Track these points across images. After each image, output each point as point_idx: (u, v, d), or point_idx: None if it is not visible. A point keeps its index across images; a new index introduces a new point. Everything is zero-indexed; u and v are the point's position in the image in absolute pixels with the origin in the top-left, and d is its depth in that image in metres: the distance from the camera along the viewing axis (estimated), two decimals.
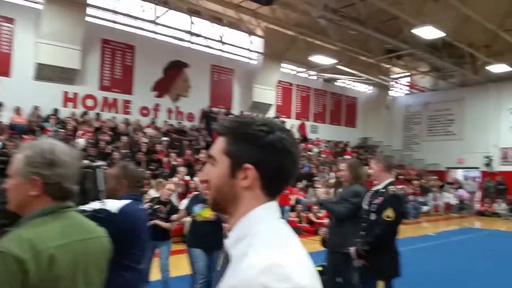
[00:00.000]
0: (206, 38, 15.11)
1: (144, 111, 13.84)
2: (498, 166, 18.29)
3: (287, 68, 18.43)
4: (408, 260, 7.17)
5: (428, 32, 12.28)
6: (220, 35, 15.37)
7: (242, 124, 0.96)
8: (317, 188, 4.96)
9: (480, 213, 16.30)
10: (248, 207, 0.93)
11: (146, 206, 4.38)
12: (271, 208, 0.95)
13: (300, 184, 12.25)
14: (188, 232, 4.75)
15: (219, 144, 0.97)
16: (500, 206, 16.14)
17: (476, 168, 18.96)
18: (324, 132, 19.63)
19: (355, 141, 21.01)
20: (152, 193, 7.59)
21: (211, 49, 15.60)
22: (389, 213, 3.22)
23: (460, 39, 14.03)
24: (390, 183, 3.41)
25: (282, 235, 0.90)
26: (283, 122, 17.22)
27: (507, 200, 16.48)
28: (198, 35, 14.87)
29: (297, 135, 17.77)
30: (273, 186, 0.95)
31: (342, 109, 21.06)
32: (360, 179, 3.95)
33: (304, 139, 17.49)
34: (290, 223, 9.07)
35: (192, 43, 15.14)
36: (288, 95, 18.56)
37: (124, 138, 11.37)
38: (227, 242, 0.94)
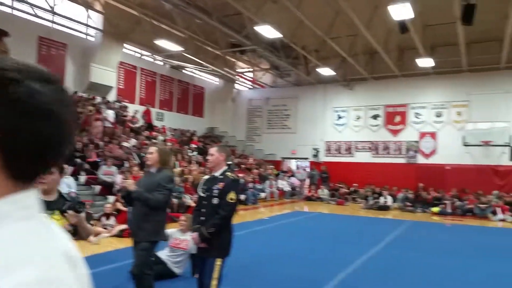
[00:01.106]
0: (32, 5, 13.04)
1: None
2: (323, 157, 20.90)
3: (131, 50, 17.38)
4: (244, 242, 7.58)
5: (268, 31, 13.06)
6: (50, 4, 13.45)
7: None
8: (124, 179, 4.66)
9: (308, 198, 18.38)
10: None
11: None
12: (19, 202, 0.63)
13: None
14: None
15: None
16: (323, 192, 18.50)
17: (306, 158, 21.32)
18: (170, 120, 19.28)
19: (201, 130, 21.27)
20: None
21: (39, 18, 13.55)
22: (232, 196, 3.48)
23: (295, 41, 15.37)
24: (227, 170, 3.64)
25: (35, 243, 0.61)
26: (125, 107, 16.21)
27: (329, 186, 19.02)
28: (23, 1, 12.73)
29: (141, 121, 16.96)
30: (23, 167, 0.63)
31: (190, 98, 21.04)
32: (167, 164, 3.96)
33: (149, 126, 16.82)
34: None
35: (14, 9, 12.88)
36: (131, 79, 17.54)
37: None
38: None
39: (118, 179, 10.23)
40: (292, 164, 21.97)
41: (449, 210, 14.60)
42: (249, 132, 23.26)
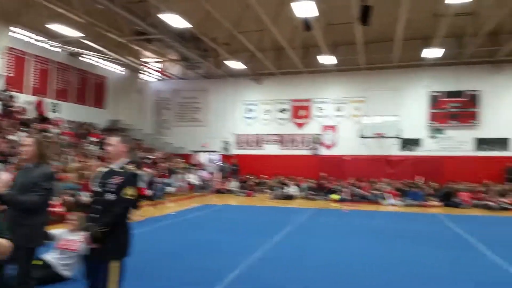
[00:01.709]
0: None
1: None
2: (233, 150, 21.08)
3: (21, 34, 15.56)
4: (147, 238, 7.27)
5: (175, 21, 12.65)
6: None
7: None
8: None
9: (218, 191, 18.40)
10: None
11: None
12: None
13: None
14: None
15: None
16: (233, 184, 18.69)
17: (217, 151, 21.31)
18: (68, 112, 17.75)
19: (103, 123, 19.97)
20: None
21: None
22: (129, 191, 3.14)
23: (205, 33, 15.16)
24: (127, 163, 3.28)
25: None
26: (12, 96, 14.53)
27: (239, 179, 19.27)
28: None
29: (34, 113, 15.33)
30: None
31: (90, 88, 19.59)
32: (46, 158, 3.55)
33: (43, 118, 15.28)
34: None
35: None
36: (21, 66, 15.72)
37: None
38: None
39: (4, 176, 9.06)
40: (203, 157, 21.80)
41: (347, 197, 15.76)
42: (157, 125, 22.48)
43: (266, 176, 19.15)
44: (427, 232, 9.44)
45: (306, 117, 20.32)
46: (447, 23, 13.01)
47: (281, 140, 20.53)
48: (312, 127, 20.13)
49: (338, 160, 19.02)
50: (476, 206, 13.99)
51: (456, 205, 14.12)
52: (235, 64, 18.00)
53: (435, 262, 6.49)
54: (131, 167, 3.29)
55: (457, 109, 17.97)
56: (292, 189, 16.80)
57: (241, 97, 21.23)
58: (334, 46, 17.48)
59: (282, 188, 17.00)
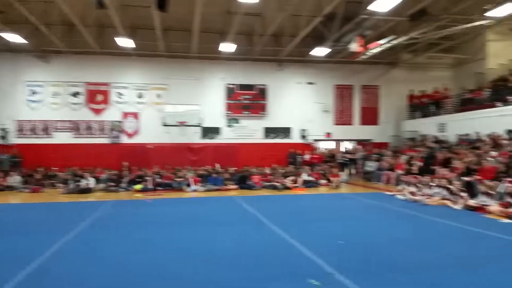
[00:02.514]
0: None
1: None
2: (14, 139, 17.81)
3: None
4: None
5: None
6: None
7: None
8: None
9: None
10: None
11: None
12: None
13: None
14: None
15: None
16: (14, 179, 15.78)
17: None
18: None
19: None
20: None
21: None
22: None
23: None
24: None
25: None
26: None
27: (22, 172, 16.39)
28: None
29: None
30: None
31: None
32: None
33: None
34: None
35: None
36: None
37: None
38: None
39: None
40: None
41: (150, 186, 15.43)
42: None
43: (57, 168, 16.93)
44: (225, 213, 10.11)
45: (104, 102, 18.84)
46: (239, 21, 14.08)
47: (75, 127, 18.48)
48: (111, 114, 18.83)
49: (141, 149, 18.46)
50: (265, 187, 15.82)
51: (250, 187, 15.64)
52: (12, 37, 15.08)
53: (227, 238, 7.00)
54: None
55: (249, 101, 19.90)
56: (88, 182, 15.32)
57: (23, 76, 18.04)
58: (133, 29, 16.70)
59: (78, 181, 15.31)
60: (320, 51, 17.23)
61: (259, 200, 12.67)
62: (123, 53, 17.99)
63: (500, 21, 15.26)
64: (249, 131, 19.99)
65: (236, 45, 16.67)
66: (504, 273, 5.21)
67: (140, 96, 19.09)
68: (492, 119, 15.10)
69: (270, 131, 20.20)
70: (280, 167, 17.84)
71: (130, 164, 17.26)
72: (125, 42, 15.92)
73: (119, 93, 18.91)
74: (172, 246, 6.63)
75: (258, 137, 20.04)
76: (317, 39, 16.86)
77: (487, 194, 10.36)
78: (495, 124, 14.82)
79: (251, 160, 18.38)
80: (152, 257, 5.92)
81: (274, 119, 20.17)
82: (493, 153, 12.92)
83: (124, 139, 18.85)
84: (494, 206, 9.63)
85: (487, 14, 13.37)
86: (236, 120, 19.90)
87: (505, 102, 14.97)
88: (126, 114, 18.95)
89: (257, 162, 18.22)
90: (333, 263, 5.47)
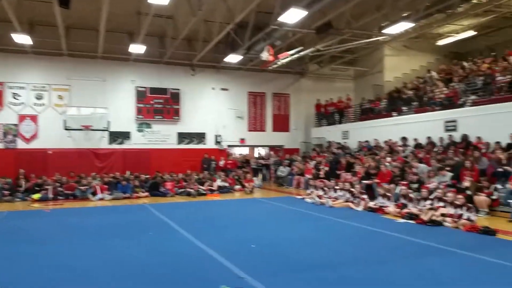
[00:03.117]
0: None
1: None
2: None
3: None
4: None
5: None
6: None
7: None
8: None
9: None
10: None
11: None
12: None
13: None
14: None
15: None
16: None
17: None
18: None
19: None
20: None
21: None
22: None
23: None
24: None
25: None
26: None
27: None
28: None
29: None
30: None
31: None
32: None
33: None
34: None
35: None
36: None
37: None
38: None
39: None
40: None
41: (50, 195, 14.13)
42: None
43: None
44: (134, 222, 9.62)
45: None
46: (149, 22, 13.64)
47: None
48: (5, 116, 16.87)
49: (40, 154, 16.83)
50: (179, 193, 15.45)
51: (163, 195, 15.15)
52: None
53: (135, 248, 6.69)
54: None
55: (161, 105, 19.33)
56: None
57: None
58: (31, 25, 15.26)
59: None
60: (233, 58, 17.45)
61: (172, 208, 12.34)
62: (20, 51, 16.29)
63: (395, 37, 16.96)
64: (162, 136, 19.40)
65: (146, 47, 16.12)
66: (398, 268, 5.72)
67: (39, 98, 17.39)
68: (389, 128, 16.64)
69: (184, 137, 19.84)
70: (195, 173, 17.59)
71: (27, 171, 15.61)
72: (21, 38, 14.41)
73: (14, 93, 17.03)
74: (64, 262, 6.02)
75: (171, 143, 19.54)
76: (230, 46, 17.05)
77: (385, 196, 11.36)
78: (391, 132, 16.34)
79: (164, 166, 17.81)
80: (38, 276, 5.35)
81: (188, 124, 19.87)
82: (389, 159, 14.23)
83: (21, 144, 17.00)
84: (391, 207, 10.58)
85: (384, 31, 14.75)
86: (147, 125, 19.18)
87: (400, 112, 16.64)
88: (22, 117, 17.11)
89: (171, 168, 17.71)
90: (245, 267, 5.50)
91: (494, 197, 9.93)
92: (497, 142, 11.70)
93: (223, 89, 20.69)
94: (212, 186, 16.22)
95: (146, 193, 15.17)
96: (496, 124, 12.07)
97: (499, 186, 10.10)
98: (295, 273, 5.38)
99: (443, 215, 8.90)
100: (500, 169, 10.49)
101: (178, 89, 19.56)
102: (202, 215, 10.83)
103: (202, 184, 16.32)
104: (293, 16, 12.10)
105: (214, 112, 20.38)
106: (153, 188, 15.52)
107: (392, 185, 11.82)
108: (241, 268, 5.50)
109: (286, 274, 5.36)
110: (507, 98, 12.27)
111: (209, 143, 20.30)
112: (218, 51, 17.92)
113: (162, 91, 19.28)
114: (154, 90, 19.18)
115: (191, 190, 15.52)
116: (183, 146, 19.74)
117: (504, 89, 12.79)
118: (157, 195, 15.12)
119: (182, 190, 15.62)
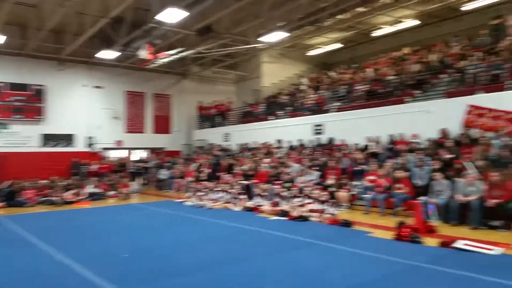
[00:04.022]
0: None
1: None
2: None
3: None
4: None
5: None
6: None
7: None
8: None
9: None
10: None
11: None
12: None
13: None
14: None
15: None
16: None
17: None
18: None
19: None
20: None
21: None
22: None
23: None
24: None
25: None
26: None
27: None
28: None
29: None
30: None
31: None
32: None
33: None
34: None
35: None
36: None
37: None
38: None
39: None
40: None
41: None
42: None
43: None
44: None
45: None
46: (8, 10, 11.94)
47: None
48: None
49: None
50: (41, 203, 13.74)
51: (21, 204, 13.29)
52: None
53: None
54: None
55: (22, 103, 17.05)
56: None
57: None
58: None
59: None
60: (108, 54, 16.32)
61: (31, 219, 10.93)
62: None
63: (271, 45, 17.88)
64: (22, 138, 17.11)
65: (5, 37, 14.07)
66: (269, 262, 5.94)
67: None
68: (266, 130, 17.46)
69: (49, 138, 17.80)
70: (61, 179, 15.85)
71: None
72: None
73: None
74: None
75: (33, 145, 17.36)
76: (105, 41, 15.93)
77: (261, 195, 11.81)
78: (268, 135, 17.17)
79: (25, 172, 15.70)
80: None
81: (54, 124, 17.90)
82: (267, 160, 14.89)
83: None
84: (266, 206, 11.03)
85: (261, 38, 15.42)
86: (3, 125, 16.72)
87: (276, 116, 17.59)
88: None
89: (33, 174, 15.65)
90: (115, 279, 5.10)
91: (353, 192, 11.12)
92: (356, 144, 13.21)
93: (96, 86, 19.21)
94: (78, 194, 14.69)
95: (2, 203, 13.16)
96: (356, 128, 13.61)
97: (357, 182, 11.34)
98: (169, 278, 5.19)
99: (311, 210, 9.63)
100: (357, 168, 11.80)
101: (43, 85, 17.51)
102: (67, 226, 9.78)
103: (69, 191, 14.76)
104: (172, 16, 11.84)
105: (85, 111, 18.77)
106: (9, 197, 13.54)
107: (268, 185, 12.37)
108: (110, 280, 5.08)
109: (159, 280, 5.13)
110: (364, 105, 13.93)
111: (80, 146, 18.60)
112: (92, 46, 16.58)
113: (23, 87, 17.04)
114: (13, 86, 16.84)
115: (56, 198, 13.94)
116: (48, 149, 17.70)
117: (362, 97, 14.50)
118: (15, 205, 13.23)
119: (45, 198, 13.94)
